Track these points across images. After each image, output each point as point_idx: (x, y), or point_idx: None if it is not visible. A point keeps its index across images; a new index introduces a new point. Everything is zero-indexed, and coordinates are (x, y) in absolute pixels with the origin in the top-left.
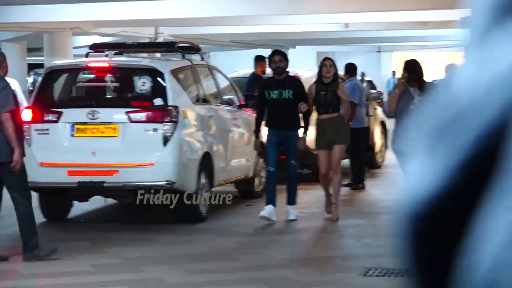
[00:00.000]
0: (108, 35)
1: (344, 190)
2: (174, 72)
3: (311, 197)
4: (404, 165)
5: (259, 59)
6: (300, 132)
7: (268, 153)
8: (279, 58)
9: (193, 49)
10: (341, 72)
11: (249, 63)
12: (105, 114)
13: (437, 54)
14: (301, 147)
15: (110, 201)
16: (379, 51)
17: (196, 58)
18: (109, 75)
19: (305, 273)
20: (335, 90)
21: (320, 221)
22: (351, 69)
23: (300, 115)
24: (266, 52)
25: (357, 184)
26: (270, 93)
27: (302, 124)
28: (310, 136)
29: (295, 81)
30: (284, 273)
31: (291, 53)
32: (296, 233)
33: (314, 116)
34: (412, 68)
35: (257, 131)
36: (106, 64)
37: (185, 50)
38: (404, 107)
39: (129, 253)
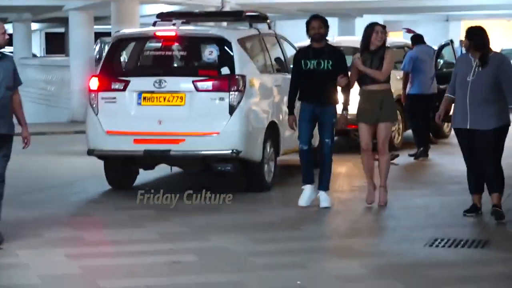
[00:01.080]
0: (175, 4)
1: (407, 160)
2: (241, 41)
3: (377, 163)
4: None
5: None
6: (339, 108)
7: (301, 129)
8: (318, 24)
9: (260, 18)
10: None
11: None
12: (172, 83)
13: (507, 23)
14: (340, 126)
15: (176, 169)
16: (447, 20)
17: (263, 27)
18: (176, 44)
19: (370, 243)
20: (382, 57)
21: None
22: (417, 40)
23: (339, 89)
24: (332, 22)
25: (420, 153)
26: (308, 63)
27: (340, 99)
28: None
29: (336, 51)
30: (348, 242)
31: (358, 22)
32: (361, 203)
33: (356, 89)
34: (473, 35)
35: (291, 106)
36: (173, 33)
37: (252, 19)
38: (462, 79)
39: (194, 221)
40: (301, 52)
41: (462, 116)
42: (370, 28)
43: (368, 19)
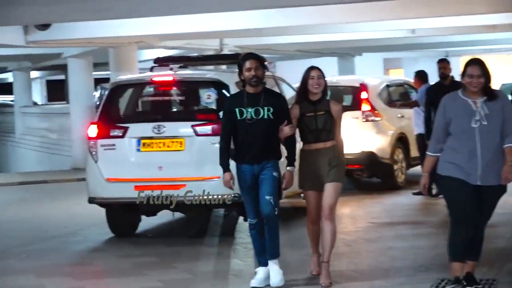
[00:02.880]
0: (174, 48)
1: (412, 198)
2: (239, 84)
3: (381, 206)
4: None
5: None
6: (281, 164)
7: (244, 201)
8: (255, 64)
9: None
10: (409, 79)
11: None
12: (171, 128)
13: (507, 58)
14: (287, 185)
15: (178, 215)
16: (447, 56)
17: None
18: (174, 88)
19: (376, 286)
20: (328, 110)
21: (391, 231)
22: (423, 76)
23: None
24: (332, 61)
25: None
26: (243, 112)
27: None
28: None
29: (277, 95)
30: (352, 285)
31: (358, 61)
32: (365, 243)
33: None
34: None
35: (226, 163)
36: (170, 78)
37: None
38: (463, 127)
39: (199, 267)
40: (234, 99)
41: (466, 168)
42: (306, 73)
43: (367, 57)
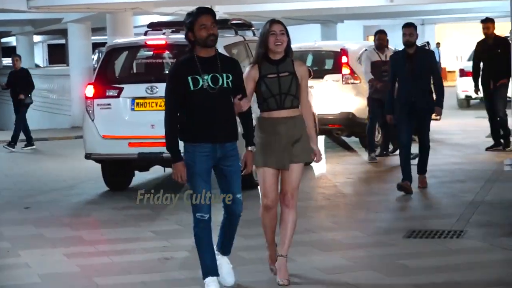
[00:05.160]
0: (167, 14)
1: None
2: (228, 48)
3: (358, 163)
4: None
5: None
6: (240, 143)
7: (197, 188)
8: (211, 20)
9: (245, 25)
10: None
11: (298, 38)
12: (163, 88)
13: (478, 26)
14: (249, 169)
15: (169, 170)
16: (423, 24)
17: (248, 34)
18: (166, 51)
19: (352, 236)
20: (293, 72)
21: (366, 186)
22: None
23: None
24: (315, 28)
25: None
26: (198, 80)
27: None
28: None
29: (233, 61)
30: (330, 235)
31: (340, 27)
32: (343, 198)
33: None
34: None
35: (175, 148)
36: (163, 42)
37: (238, 26)
38: None
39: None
40: (183, 65)
41: None
42: (266, 28)
43: (348, 24)
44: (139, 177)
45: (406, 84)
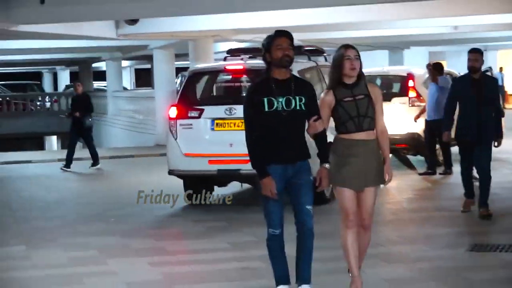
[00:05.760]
0: (245, 41)
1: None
2: (301, 72)
3: (424, 180)
4: None
5: None
6: (313, 162)
7: (269, 206)
8: (288, 42)
9: (318, 51)
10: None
11: (367, 63)
12: (240, 110)
13: None
14: (324, 185)
15: (246, 186)
16: (485, 50)
17: (320, 59)
18: (244, 76)
19: (417, 249)
20: (367, 94)
21: (432, 202)
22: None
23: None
24: (383, 54)
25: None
26: (273, 102)
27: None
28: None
29: (306, 84)
30: (396, 248)
31: (406, 53)
32: (410, 212)
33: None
34: None
35: (262, 166)
36: (241, 67)
37: (311, 52)
38: None
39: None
40: (259, 86)
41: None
42: (340, 53)
43: (415, 50)
44: (218, 192)
45: (471, 108)
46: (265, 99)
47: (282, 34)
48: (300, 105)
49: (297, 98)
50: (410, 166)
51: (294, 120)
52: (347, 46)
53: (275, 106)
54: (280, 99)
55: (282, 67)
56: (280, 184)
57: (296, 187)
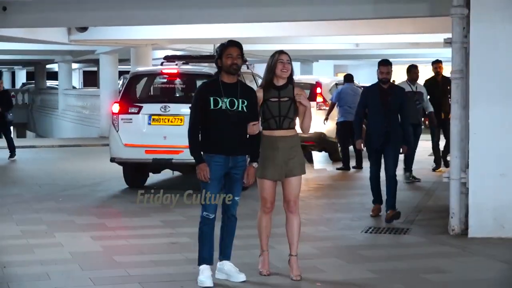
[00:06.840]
0: (179, 50)
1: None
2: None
3: (327, 172)
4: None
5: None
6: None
7: (208, 190)
8: (237, 52)
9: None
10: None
11: None
12: (174, 108)
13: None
14: (250, 182)
15: (176, 173)
16: None
17: (243, 67)
18: (177, 79)
19: (319, 230)
20: (292, 97)
21: (334, 191)
22: (348, 79)
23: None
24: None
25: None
26: (218, 101)
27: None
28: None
29: (251, 90)
30: (304, 229)
31: (315, 65)
32: (315, 199)
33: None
34: None
35: (198, 153)
36: (175, 71)
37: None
38: None
39: (191, 212)
40: (208, 87)
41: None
42: (275, 57)
43: (322, 63)
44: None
45: (379, 116)
46: (211, 98)
47: (233, 44)
48: (242, 107)
49: (240, 100)
50: (310, 161)
51: (237, 119)
52: (281, 52)
53: (219, 105)
54: (225, 100)
55: (230, 74)
56: (221, 172)
57: (232, 179)
